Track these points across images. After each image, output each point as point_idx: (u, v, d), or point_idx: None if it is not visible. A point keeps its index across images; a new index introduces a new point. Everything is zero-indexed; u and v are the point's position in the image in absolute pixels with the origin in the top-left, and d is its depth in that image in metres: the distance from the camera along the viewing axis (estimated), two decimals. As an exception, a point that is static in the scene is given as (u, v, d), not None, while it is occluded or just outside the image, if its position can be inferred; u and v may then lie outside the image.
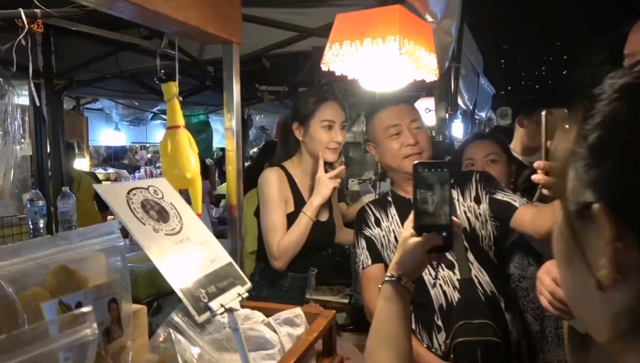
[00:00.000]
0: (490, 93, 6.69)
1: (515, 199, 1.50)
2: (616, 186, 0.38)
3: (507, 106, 9.43)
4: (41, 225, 2.94)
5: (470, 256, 1.50)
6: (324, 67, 1.20)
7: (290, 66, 3.61)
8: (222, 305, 0.81)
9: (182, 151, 1.17)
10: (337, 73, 1.21)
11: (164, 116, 6.20)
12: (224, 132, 4.96)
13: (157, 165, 8.76)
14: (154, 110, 5.09)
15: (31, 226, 2.92)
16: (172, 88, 1.16)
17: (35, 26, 1.66)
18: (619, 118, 0.39)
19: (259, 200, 1.79)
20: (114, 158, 9.17)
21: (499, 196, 1.54)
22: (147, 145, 8.27)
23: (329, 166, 1.81)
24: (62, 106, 3.26)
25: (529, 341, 1.67)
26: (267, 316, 1.09)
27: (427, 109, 2.29)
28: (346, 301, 2.76)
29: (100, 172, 6.55)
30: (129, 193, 0.80)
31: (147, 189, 0.85)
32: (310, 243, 1.76)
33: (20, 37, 1.62)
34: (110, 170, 6.82)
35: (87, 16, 2.12)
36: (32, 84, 1.82)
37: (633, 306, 0.39)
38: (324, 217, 1.90)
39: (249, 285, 0.91)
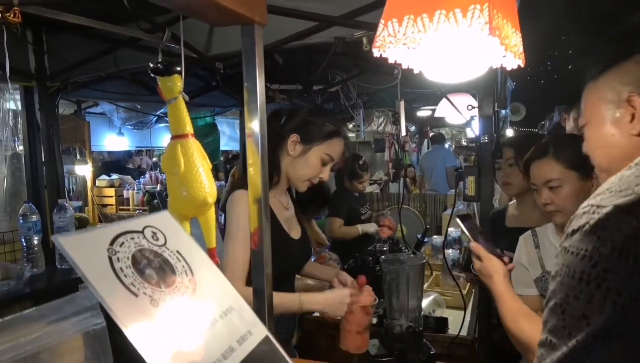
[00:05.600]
0: (510, 88, 6.36)
1: None
2: None
3: (518, 102, 9.15)
4: (35, 242, 2.67)
5: None
6: (376, 53, 0.91)
7: (304, 62, 3.34)
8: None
9: (195, 168, 0.87)
10: (392, 60, 0.92)
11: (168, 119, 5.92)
12: (230, 135, 4.70)
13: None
14: (157, 113, 4.82)
15: (25, 244, 2.66)
16: (176, 83, 0.86)
17: (12, 15, 1.39)
18: None
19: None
20: (118, 163, 8.93)
21: None
22: (152, 150, 8.02)
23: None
24: (57, 110, 2.98)
25: None
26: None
27: (469, 106, 2.01)
28: (374, 321, 2.48)
29: (103, 179, 6.30)
30: (112, 242, 0.52)
31: (142, 232, 0.57)
32: (285, 265, 1.50)
33: (-7, 28, 1.35)
34: (114, 176, 6.56)
35: (77, 4, 1.85)
36: (9, 83, 1.53)
37: None
38: (296, 234, 1.64)
39: (294, 369, 0.62)
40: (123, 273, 0.50)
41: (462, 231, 1.37)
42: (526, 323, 1.13)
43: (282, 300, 1.41)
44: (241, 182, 1.51)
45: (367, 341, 1.62)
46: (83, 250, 0.48)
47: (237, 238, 1.37)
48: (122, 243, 0.53)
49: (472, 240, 1.31)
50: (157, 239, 0.59)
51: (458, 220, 1.41)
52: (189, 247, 0.62)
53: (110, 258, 0.50)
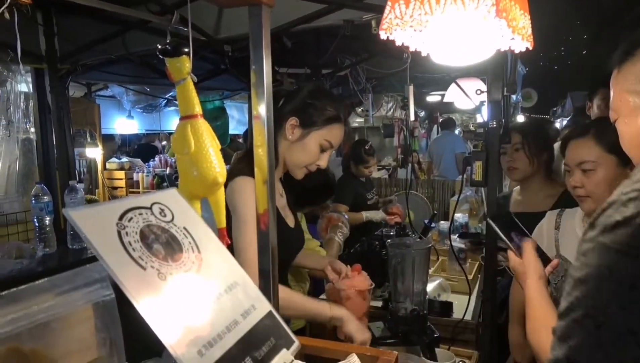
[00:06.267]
0: (521, 73, 6.27)
1: None
2: None
3: (529, 88, 9.01)
4: (47, 222, 2.72)
5: None
6: (383, 35, 0.91)
7: (313, 45, 3.32)
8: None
9: (205, 148, 0.88)
10: (399, 43, 0.92)
11: (177, 102, 5.94)
12: (239, 119, 4.70)
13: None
14: (167, 96, 4.84)
15: (37, 224, 2.71)
16: (185, 64, 0.87)
17: (22, -4, 1.40)
18: None
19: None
20: (129, 145, 8.97)
21: None
22: (161, 133, 8.06)
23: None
24: (67, 92, 3.00)
25: None
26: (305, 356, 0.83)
27: (478, 91, 2.00)
28: (379, 304, 2.51)
29: (113, 161, 6.35)
30: (121, 217, 0.54)
31: (150, 208, 0.58)
32: (282, 254, 1.51)
33: (4, 8, 1.36)
34: (124, 159, 6.60)
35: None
36: (21, 65, 1.55)
37: None
38: (290, 223, 1.61)
39: (296, 343, 0.64)
40: (131, 247, 0.52)
41: (498, 236, 1.26)
42: (547, 337, 1.04)
43: (315, 306, 1.40)
44: (242, 167, 1.43)
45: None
46: (93, 223, 0.50)
47: (248, 226, 1.31)
48: (131, 218, 0.55)
49: (508, 246, 1.21)
50: (165, 215, 0.60)
51: (490, 222, 1.29)
52: (195, 224, 0.63)
53: (119, 232, 0.52)
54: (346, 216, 2.59)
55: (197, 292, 0.56)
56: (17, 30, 1.44)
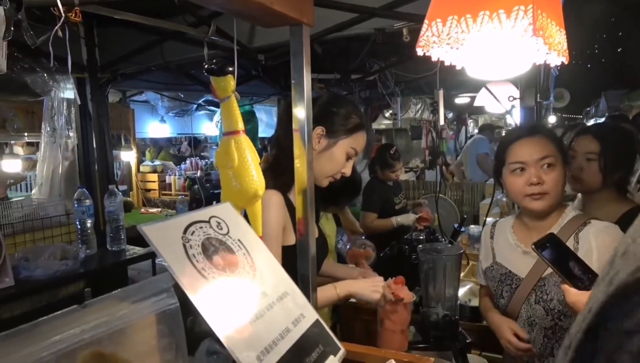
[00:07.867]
0: (554, 75, 6.13)
1: None
2: None
3: (562, 88, 8.77)
4: (89, 225, 2.85)
5: None
6: (419, 52, 0.94)
7: (342, 51, 3.36)
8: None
9: (247, 163, 0.93)
10: (435, 58, 0.95)
11: (208, 107, 6.08)
12: (267, 122, 4.77)
13: (201, 154, 8.69)
14: (199, 101, 4.95)
15: (79, 227, 2.84)
16: (230, 83, 0.92)
17: (73, 15, 1.49)
18: None
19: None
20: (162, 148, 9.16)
21: None
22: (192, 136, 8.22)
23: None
24: (107, 100, 3.13)
25: None
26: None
27: (510, 97, 1.99)
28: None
29: (147, 164, 6.54)
30: (185, 231, 0.59)
31: (209, 222, 0.63)
32: None
33: (57, 27, 1.45)
34: (157, 162, 6.78)
35: (129, 2, 1.95)
36: (70, 77, 1.64)
37: None
38: (315, 232, 1.63)
39: (342, 350, 0.68)
40: (195, 259, 0.57)
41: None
42: None
43: (321, 293, 1.39)
44: (267, 181, 1.47)
45: (407, 339, 1.62)
46: (162, 237, 0.55)
47: (266, 240, 1.33)
48: (193, 231, 0.60)
49: (563, 279, 1.08)
50: (221, 228, 0.65)
51: (534, 249, 1.14)
52: (247, 236, 0.68)
53: (184, 246, 0.57)
54: (372, 250, 2.61)
55: (252, 300, 0.61)
56: (67, 45, 1.53)
